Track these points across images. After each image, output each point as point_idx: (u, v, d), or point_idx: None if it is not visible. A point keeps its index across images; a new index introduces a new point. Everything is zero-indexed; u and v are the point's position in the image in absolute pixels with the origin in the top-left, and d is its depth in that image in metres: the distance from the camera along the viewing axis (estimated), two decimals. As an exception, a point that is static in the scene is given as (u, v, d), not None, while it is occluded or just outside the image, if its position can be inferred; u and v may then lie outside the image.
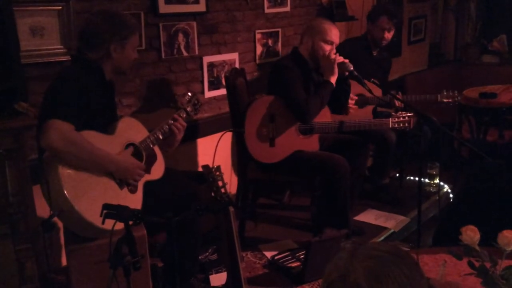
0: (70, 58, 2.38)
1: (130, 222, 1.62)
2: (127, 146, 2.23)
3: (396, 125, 3.07)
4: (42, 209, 2.11)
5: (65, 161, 1.95)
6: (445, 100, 3.57)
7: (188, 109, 2.51)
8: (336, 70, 2.93)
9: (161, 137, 2.35)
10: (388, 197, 3.73)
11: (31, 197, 2.06)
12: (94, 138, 2.05)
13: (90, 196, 1.98)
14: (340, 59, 2.93)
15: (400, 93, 3.64)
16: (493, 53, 5.74)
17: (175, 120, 2.40)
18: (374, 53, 3.75)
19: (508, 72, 5.20)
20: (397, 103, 3.48)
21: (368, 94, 3.28)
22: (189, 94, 2.59)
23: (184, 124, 2.43)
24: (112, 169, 2.09)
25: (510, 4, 5.70)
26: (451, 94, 3.58)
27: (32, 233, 2.04)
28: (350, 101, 3.22)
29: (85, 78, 2.12)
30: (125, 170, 2.12)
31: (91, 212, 1.91)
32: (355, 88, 3.26)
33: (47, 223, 1.90)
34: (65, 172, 1.95)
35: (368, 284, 0.88)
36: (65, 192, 1.91)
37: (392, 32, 3.67)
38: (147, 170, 2.26)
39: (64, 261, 2.66)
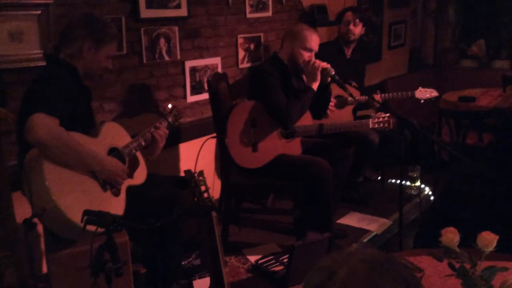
0: (46, 61, 2.36)
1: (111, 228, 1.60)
2: (110, 150, 2.21)
3: (376, 125, 3.12)
4: (22, 216, 2.08)
5: (50, 156, 1.93)
6: (422, 97, 3.63)
7: (170, 119, 2.53)
8: (319, 76, 2.95)
9: (143, 144, 2.36)
10: (356, 196, 3.79)
11: (10, 204, 2.03)
12: (78, 138, 2.04)
13: (74, 196, 1.96)
14: (323, 64, 2.95)
15: (378, 91, 3.69)
16: (472, 57, 5.85)
17: (157, 128, 2.41)
18: (347, 55, 3.83)
19: (487, 76, 5.31)
20: (377, 97, 3.54)
21: (346, 96, 3.32)
22: (170, 106, 2.61)
23: (166, 131, 2.45)
24: (96, 168, 2.07)
25: (488, 9, 5.81)
26: (427, 90, 3.64)
27: (11, 240, 2.01)
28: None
29: (63, 76, 2.13)
30: (109, 170, 2.10)
31: (74, 212, 1.88)
32: (334, 90, 3.29)
33: (30, 221, 1.86)
34: (50, 170, 1.92)
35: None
36: (49, 189, 1.88)
37: (358, 27, 3.77)
38: (130, 175, 2.25)
39: (44, 269, 2.62)
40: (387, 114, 3.11)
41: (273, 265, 2.86)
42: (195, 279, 2.71)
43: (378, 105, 3.56)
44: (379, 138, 3.51)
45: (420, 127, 2.57)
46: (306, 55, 2.99)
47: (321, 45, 3.92)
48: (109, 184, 2.13)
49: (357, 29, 3.77)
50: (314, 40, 3.01)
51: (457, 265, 1.53)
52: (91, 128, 2.22)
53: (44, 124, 1.91)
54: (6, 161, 2.08)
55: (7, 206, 2.00)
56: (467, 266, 1.52)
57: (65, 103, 2.04)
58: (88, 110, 2.33)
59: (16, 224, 2.08)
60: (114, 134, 2.28)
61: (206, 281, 2.65)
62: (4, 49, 2.38)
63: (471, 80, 5.18)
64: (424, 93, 3.63)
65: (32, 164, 1.95)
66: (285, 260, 2.83)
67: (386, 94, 3.70)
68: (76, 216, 1.85)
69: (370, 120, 3.13)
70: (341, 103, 3.57)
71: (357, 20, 3.75)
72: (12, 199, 2.06)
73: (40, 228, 2.32)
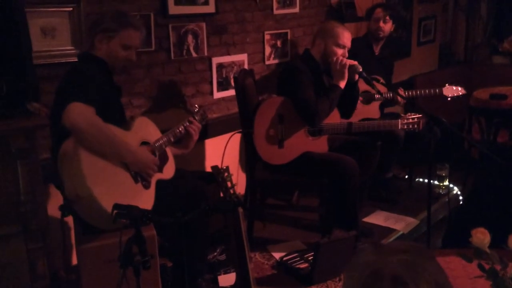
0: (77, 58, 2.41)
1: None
2: (142, 144, 2.26)
3: (405, 127, 3.07)
4: (53, 208, 2.13)
5: (85, 144, 1.97)
6: (449, 94, 3.56)
7: (197, 118, 2.57)
8: (346, 74, 2.92)
9: (172, 140, 2.41)
10: (384, 194, 3.73)
11: (42, 196, 2.08)
12: (113, 129, 2.09)
13: (107, 185, 2.00)
14: (350, 62, 2.92)
15: (401, 88, 3.64)
16: (504, 54, 5.69)
17: (190, 122, 2.48)
18: (376, 52, 3.79)
19: (519, 73, 5.16)
20: (399, 99, 3.50)
21: (373, 91, 3.29)
22: (196, 106, 2.65)
23: (199, 125, 2.52)
24: (129, 159, 2.11)
25: (521, 4, 5.65)
26: (455, 87, 3.57)
27: (43, 232, 2.06)
28: None
29: (95, 70, 2.17)
30: (141, 162, 2.15)
31: (107, 200, 1.93)
32: (361, 86, 3.26)
33: (65, 207, 1.91)
34: (86, 159, 1.97)
35: (409, 275, 0.86)
36: (85, 176, 1.93)
37: (388, 24, 3.73)
38: (160, 169, 2.29)
39: (74, 260, 2.69)
40: (417, 115, 3.06)
41: (298, 262, 2.86)
42: (220, 274, 2.73)
43: (403, 101, 3.51)
44: (404, 133, 3.46)
45: (450, 124, 2.52)
46: (339, 51, 2.96)
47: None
48: (140, 176, 2.18)
49: (387, 27, 3.73)
50: (346, 36, 2.99)
51: (487, 267, 1.50)
52: (122, 123, 2.26)
53: (82, 112, 1.96)
54: (39, 155, 2.14)
55: (39, 198, 2.05)
56: (498, 267, 1.49)
57: (99, 94, 2.08)
58: (119, 106, 2.37)
59: (48, 216, 2.13)
60: (145, 129, 2.33)
61: (231, 276, 2.66)
62: (37, 45, 2.44)
63: (502, 77, 5.04)
64: (451, 91, 3.56)
65: (68, 153, 1.99)
66: (310, 258, 2.82)
67: (412, 92, 3.65)
68: (108, 205, 1.89)
69: (400, 120, 3.08)
70: (368, 99, 3.54)
71: (387, 17, 3.70)
72: (44, 192, 2.11)
73: (70, 220, 2.38)
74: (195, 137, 2.50)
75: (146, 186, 2.20)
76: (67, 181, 1.95)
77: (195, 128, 2.48)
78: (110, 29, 2.21)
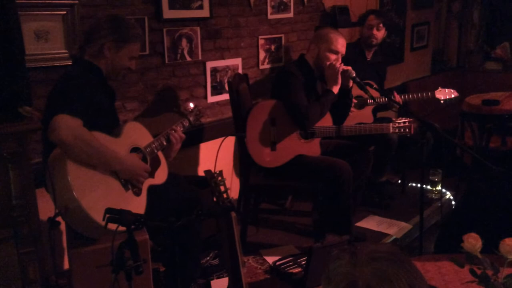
0: (71, 62, 2.40)
1: (132, 227, 1.62)
2: (132, 149, 2.24)
3: (397, 130, 3.09)
4: (45, 212, 2.12)
5: (73, 156, 1.96)
6: (442, 97, 3.59)
7: (191, 118, 2.55)
8: (339, 80, 2.94)
9: (165, 143, 2.38)
10: (377, 199, 3.75)
11: (34, 201, 2.07)
12: (100, 138, 2.07)
13: (96, 195, 1.99)
14: (344, 67, 2.94)
15: (394, 92, 3.66)
16: (496, 60, 5.75)
17: (173, 130, 2.40)
18: (368, 57, 3.81)
19: (511, 79, 5.21)
20: (392, 104, 3.52)
21: (366, 96, 3.30)
22: (191, 105, 2.62)
23: (183, 136, 2.43)
24: (117, 168, 2.09)
25: (513, 11, 5.71)
26: (447, 90, 3.59)
27: (35, 236, 2.04)
28: None
29: (88, 77, 2.16)
30: (131, 170, 2.13)
31: (96, 211, 1.91)
32: (354, 90, 3.27)
33: (53, 220, 1.90)
34: (73, 170, 1.95)
35: (381, 286, 0.88)
36: (72, 188, 1.92)
37: (381, 31, 3.77)
38: (151, 174, 2.27)
39: (66, 265, 2.67)
40: (408, 119, 3.07)
41: (291, 267, 2.85)
42: (213, 279, 2.72)
43: (398, 107, 3.54)
44: (398, 137, 3.47)
45: (443, 130, 2.53)
46: (332, 57, 2.98)
47: None
48: (131, 183, 2.16)
49: (380, 34, 3.76)
50: (340, 42, 3.00)
51: (479, 272, 1.51)
52: (115, 128, 2.25)
53: (68, 125, 1.94)
54: (31, 159, 2.12)
55: (31, 203, 2.04)
56: (489, 272, 1.50)
57: (88, 104, 2.06)
58: (112, 110, 2.36)
59: (40, 220, 2.12)
60: (136, 134, 2.30)
61: (224, 281, 2.65)
62: (30, 48, 2.43)
63: (494, 83, 5.09)
64: (444, 93, 3.59)
65: (56, 163, 1.98)
66: (303, 262, 2.82)
67: (405, 95, 3.67)
68: (98, 215, 1.88)
69: (391, 124, 3.10)
70: (361, 103, 3.56)
71: (381, 25, 3.73)
72: (36, 196, 2.10)
73: (62, 224, 2.36)
74: (176, 146, 2.40)
75: (137, 193, 2.18)
76: (56, 191, 1.94)
77: (177, 137, 2.39)
78: (122, 40, 2.20)
